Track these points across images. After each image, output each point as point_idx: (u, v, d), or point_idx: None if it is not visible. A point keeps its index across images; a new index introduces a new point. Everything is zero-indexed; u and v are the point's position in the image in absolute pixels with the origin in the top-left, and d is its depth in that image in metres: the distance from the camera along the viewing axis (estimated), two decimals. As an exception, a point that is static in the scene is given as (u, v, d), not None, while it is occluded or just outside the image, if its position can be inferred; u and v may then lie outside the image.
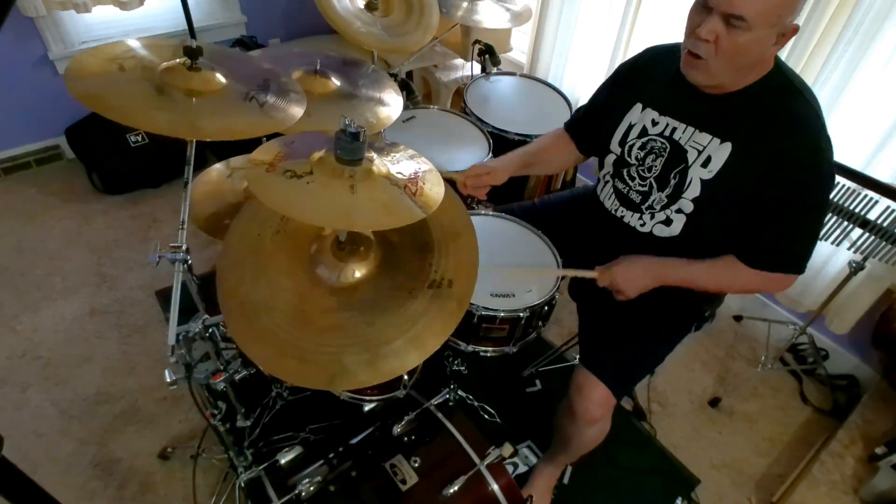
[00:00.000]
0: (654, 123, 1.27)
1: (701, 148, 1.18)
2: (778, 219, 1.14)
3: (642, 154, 1.28)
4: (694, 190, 1.19)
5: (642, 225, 1.30)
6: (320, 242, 1.03)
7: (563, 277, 1.35)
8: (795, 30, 1.06)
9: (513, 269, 1.39)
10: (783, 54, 1.81)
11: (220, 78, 1.10)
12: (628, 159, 1.31)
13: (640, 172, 1.28)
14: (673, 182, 1.22)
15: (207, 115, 1.04)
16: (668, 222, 1.25)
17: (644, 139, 1.28)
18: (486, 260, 1.35)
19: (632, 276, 1.26)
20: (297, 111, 1.14)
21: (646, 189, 1.28)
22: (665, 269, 1.26)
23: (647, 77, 1.32)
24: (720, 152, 1.16)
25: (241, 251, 0.99)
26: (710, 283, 1.28)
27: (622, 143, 1.32)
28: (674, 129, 1.23)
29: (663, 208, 1.25)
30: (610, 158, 1.36)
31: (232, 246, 1.00)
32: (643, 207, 1.29)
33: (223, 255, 0.99)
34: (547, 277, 1.34)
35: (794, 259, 1.18)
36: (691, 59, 1.10)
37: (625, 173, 1.32)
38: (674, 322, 1.41)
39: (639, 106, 1.30)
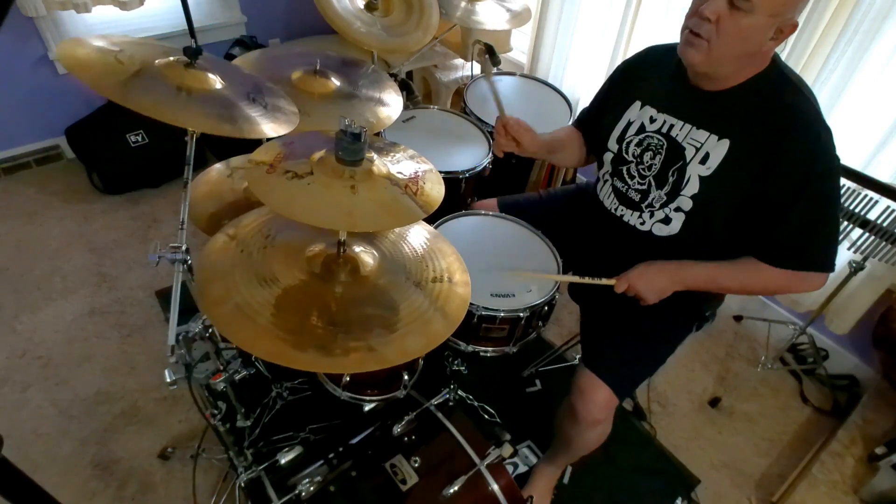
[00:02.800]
0: (652, 121, 1.27)
1: (699, 145, 1.18)
2: (789, 215, 1.12)
3: (639, 151, 1.28)
4: (692, 187, 1.19)
5: (642, 224, 1.30)
6: (316, 254, 1.04)
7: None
8: (794, 27, 1.05)
9: (530, 273, 1.35)
10: (783, 54, 1.81)
11: (214, 81, 1.10)
12: (626, 156, 1.31)
13: (640, 171, 1.28)
14: (671, 179, 1.22)
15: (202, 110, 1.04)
16: (666, 221, 1.25)
17: (641, 136, 1.28)
18: (484, 260, 1.36)
19: (650, 280, 1.24)
20: (289, 126, 1.14)
21: (644, 187, 1.27)
22: (685, 272, 1.24)
23: (646, 75, 1.32)
24: (718, 149, 1.16)
25: (223, 267, 0.99)
26: (733, 285, 1.26)
27: (620, 140, 1.32)
28: (671, 126, 1.23)
29: (662, 206, 1.25)
30: (608, 156, 1.36)
31: (210, 264, 1.00)
32: (643, 206, 1.29)
33: (200, 272, 0.98)
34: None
35: (816, 256, 1.15)
36: (691, 37, 1.09)
37: (624, 171, 1.32)
38: (675, 322, 1.40)
39: (637, 104, 1.30)
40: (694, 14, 1.08)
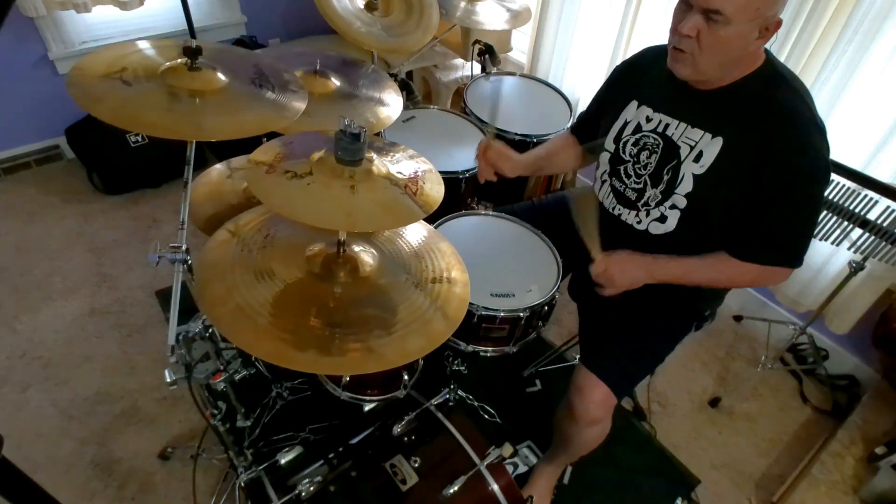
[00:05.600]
0: (648, 120, 1.28)
1: (693, 143, 1.19)
2: (769, 211, 1.14)
3: (636, 150, 1.29)
4: (686, 185, 1.20)
5: (639, 222, 1.30)
6: (316, 253, 1.04)
7: (562, 277, 1.36)
8: (778, 24, 1.06)
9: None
10: (782, 54, 1.81)
11: (221, 76, 1.10)
12: (623, 156, 1.32)
13: (636, 170, 1.29)
14: (666, 178, 1.23)
15: (213, 114, 1.04)
16: (662, 219, 1.26)
17: (638, 135, 1.29)
18: (485, 259, 1.36)
19: (625, 268, 1.26)
20: (300, 104, 1.15)
21: (640, 186, 1.28)
22: (657, 265, 1.27)
23: (643, 75, 1.33)
24: (711, 147, 1.16)
25: (224, 266, 0.99)
26: (702, 278, 1.28)
27: (617, 139, 1.33)
28: (667, 126, 1.24)
29: (657, 205, 1.26)
30: (605, 157, 1.37)
31: (210, 263, 1.00)
32: (639, 205, 1.29)
33: (200, 270, 0.98)
34: (548, 277, 1.35)
35: (787, 252, 1.18)
36: (676, 53, 1.12)
37: (621, 171, 1.33)
38: (674, 322, 1.41)
39: (634, 103, 1.31)
40: (674, 32, 1.10)
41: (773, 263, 1.20)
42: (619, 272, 1.26)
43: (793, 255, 1.19)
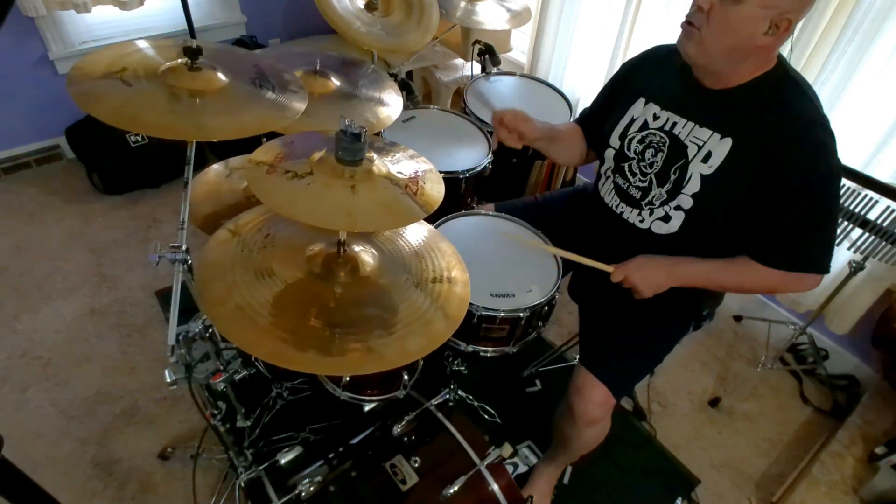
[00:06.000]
0: (656, 118, 1.27)
1: (701, 143, 1.18)
2: (788, 215, 1.13)
3: (641, 148, 1.28)
4: (693, 185, 1.19)
5: (641, 221, 1.30)
6: (316, 253, 1.04)
7: (562, 277, 1.35)
8: (789, 24, 1.04)
9: (526, 240, 1.38)
10: (783, 52, 1.81)
11: (222, 76, 1.10)
12: (627, 153, 1.31)
13: (641, 168, 1.28)
14: (673, 177, 1.22)
15: (213, 114, 1.04)
16: (666, 219, 1.25)
17: (644, 133, 1.28)
18: (485, 259, 1.36)
19: (648, 274, 1.24)
20: (300, 105, 1.15)
21: (646, 185, 1.28)
22: (682, 268, 1.25)
23: (652, 73, 1.32)
24: (720, 147, 1.16)
25: (224, 266, 0.99)
26: (728, 283, 1.26)
27: (622, 136, 1.33)
28: (674, 124, 1.23)
29: (662, 204, 1.25)
30: (610, 153, 1.36)
31: (210, 263, 1.00)
32: (643, 203, 1.29)
33: (200, 270, 0.98)
34: (548, 277, 1.34)
35: (812, 256, 1.16)
36: (685, 26, 1.12)
37: (625, 168, 1.32)
38: (673, 322, 1.41)
39: (642, 100, 1.30)
40: (690, 7, 1.10)
41: (798, 269, 1.17)
42: (641, 278, 1.24)
43: (818, 259, 1.16)
